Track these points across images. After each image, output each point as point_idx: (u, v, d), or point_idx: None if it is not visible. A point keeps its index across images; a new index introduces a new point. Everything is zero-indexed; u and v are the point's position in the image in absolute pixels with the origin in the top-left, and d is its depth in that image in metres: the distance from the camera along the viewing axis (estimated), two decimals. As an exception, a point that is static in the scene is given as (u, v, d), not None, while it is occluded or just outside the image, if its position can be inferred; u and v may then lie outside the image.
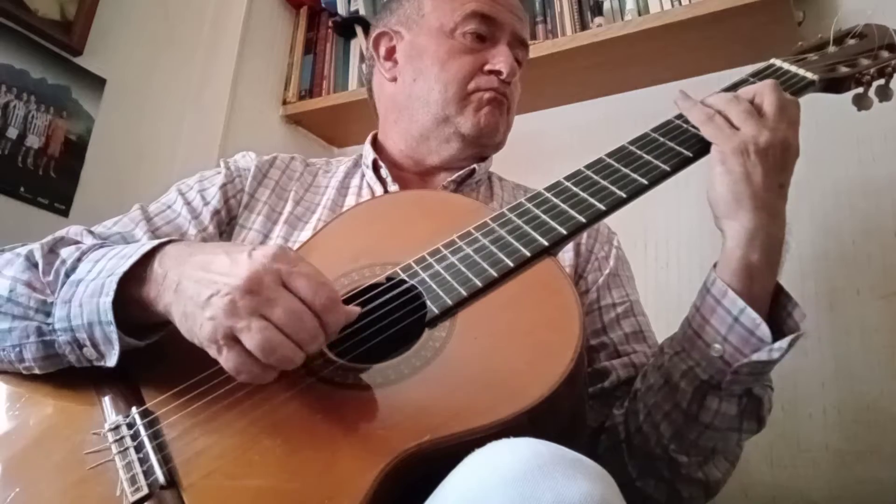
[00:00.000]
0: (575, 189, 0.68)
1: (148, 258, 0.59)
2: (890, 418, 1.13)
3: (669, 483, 0.70)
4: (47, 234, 0.73)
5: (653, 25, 1.34)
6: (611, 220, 0.75)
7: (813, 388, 1.19)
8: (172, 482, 0.51)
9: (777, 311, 0.64)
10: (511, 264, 0.62)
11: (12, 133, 1.32)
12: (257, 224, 0.87)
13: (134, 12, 1.59)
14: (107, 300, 0.57)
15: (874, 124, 1.20)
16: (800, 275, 1.23)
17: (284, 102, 1.82)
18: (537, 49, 1.38)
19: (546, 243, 0.63)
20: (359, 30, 1.78)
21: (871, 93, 0.78)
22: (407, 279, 0.64)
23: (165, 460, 0.53)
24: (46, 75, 1.39)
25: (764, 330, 0.61)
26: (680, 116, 0.71)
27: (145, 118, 1.59)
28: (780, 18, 1.28)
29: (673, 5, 1.35)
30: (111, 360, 0.59)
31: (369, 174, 0.93)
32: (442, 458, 0.46)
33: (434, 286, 0.62)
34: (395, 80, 0.94)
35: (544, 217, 0.66)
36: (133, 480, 0.51)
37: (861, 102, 0.78)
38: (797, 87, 0.73)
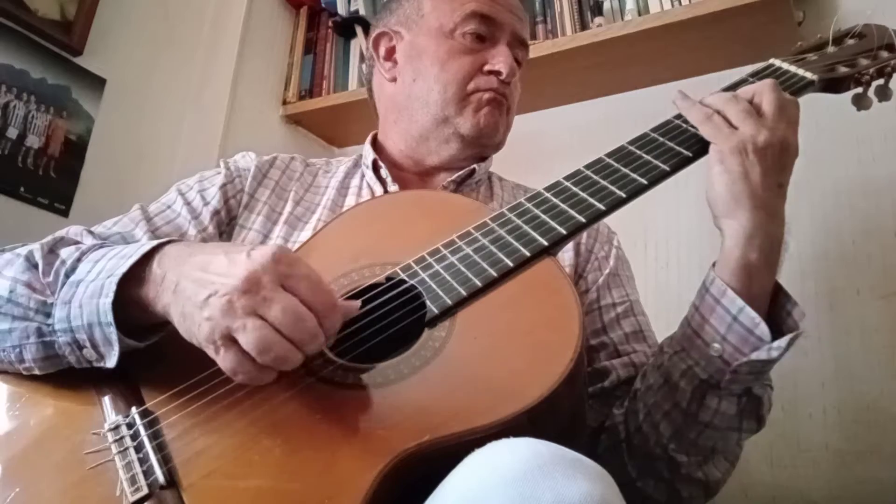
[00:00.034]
0: (574, 189, 0.68)
1: (147, 258, 0.59)
2: (890, 418, 1.13)
3: (669, 483, 0.70)
4: (47, 234, 0.73)
5: (653, 25, 1.34)
6: (611, 220, 0.75)
7: (813, 388, 1.19)
8: (172, 482, 0.51)
9: (776, 310, 0.64)
10: (511, 264, 0.62)
11: (12, 133, 1.32)
12: (257, 224, 0.87)
13: (134, 12, 1.59)
14: (106, 301, 0.57)
15: (874, 124, 1.20)
16: (800, 275, 1.23)
17: (284, 102, 1.82)
18: (537, 49, 1.38)
19: (546, 243, 0.63)
20: (359, 30, 1.79)
21: (871, 93, 0.78)
22: (406, 279, 0.64)
23: (165, 460, 0.53)
24: (46, 75, 1.39)
25: (763, 329, 0.61)
26: (679, 116, 0.71)
27: (145, 118, 1.59)
28: (780, 18, 1.28)
29: (673, 5, 1.35)
30: (111, 361, 0.59)
31: (369, 174, 0.93)
32: (442, 458, 0.46)
33: (434, 286, 0.62)
34: (394, 80, 0.94)
35: (544, 217, 0.66)
36: (133, 480, 0.51)
37: (860, 102, 0.78)
38: (796, 87, 0.73)
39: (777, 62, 0.77)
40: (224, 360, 0.51)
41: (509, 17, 0.91)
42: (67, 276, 0.63)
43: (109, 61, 1.51)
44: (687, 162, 0.68)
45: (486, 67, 0.88)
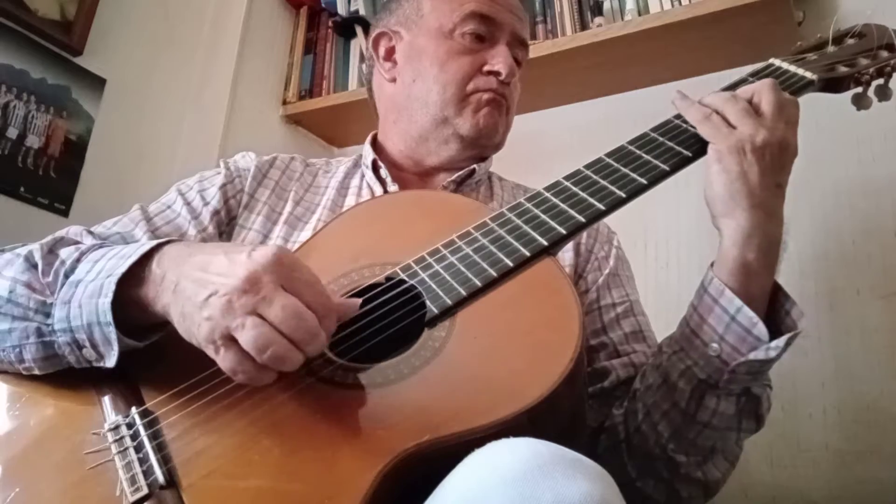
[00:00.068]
0: (574, 189, 0.68)
1: (147, 258, 0.59)
2: (890, 418, 1.13)
3: (668, 483, 0.70)
4: (47, 234, 0.73)
5: (653, 25, 1.34)
6: (611, 220, 0.75)
7: (813, 388, 1.19)
8: (172, 482, 0.51)
9: (775, 310, 0.64)
10: (510, 264, 0.62)
11: (12, 133, 1.32)
12: (257, 224, 0.87)
13: (134, 12, 1.59)
14: (106, 301, 0.57)
15: (874, 124, 1.20)
16: (800, 275, 1.23)
17: (284, 102, 1.82)
18: (537, 49, 1.38)
19: (545, 243, 0.63)
20: (359, 30, 1.79)
21: (871, 92, 0.78)
22: (406, 279, 0.64)
23: (165, 460, 0.53)
24: (46, 75, 1.39)
25: (761, 329, 0.61)
26: (679, 116, 0.71)
27: (145, 118, 1.59)
28: (780, 18, 1.28)
29: (673, 5, 1.35)
30: (110, 361, 0.59)
31: (369, 174, 0.93)
32: (442, 458, 0.46)
33: (433, 286, 0.62)
34: (394, 80, 0.94)
35: (544, 217, 0.66)
36: (133, 480, 0.51)
37: (860, 102, 0.78)
38: (796, 87, 0.73)
39: (777, 62, 0.77)
40: (224, 359, 0.51)
41: (509, 17, 0.91)
42: (67, 276, 0.63)
43: (109, 61, 1.51)
44: (687, 162, 0.68)
45: (486, 68, 0.88)
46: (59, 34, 1.40)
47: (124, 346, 0.58)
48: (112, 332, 0.57)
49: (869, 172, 1.25)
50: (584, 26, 1.47)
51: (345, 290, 0.65)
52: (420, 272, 0.64)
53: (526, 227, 0.65)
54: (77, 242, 0.73)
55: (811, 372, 1.19)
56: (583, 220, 0.64)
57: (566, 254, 0.87)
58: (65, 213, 1.39)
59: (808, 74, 0.74)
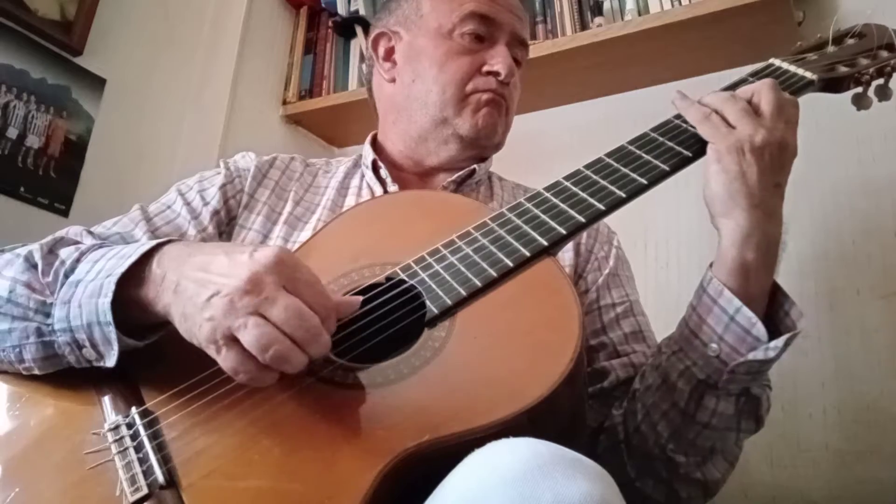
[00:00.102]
0: (574, 189, 0.68)
1: (147, 258, 0.59)
2: (890, 418, 1.13)
3: (668, 483, 0.70)
4: (47, 234, 0.73)
5: (653, 25, 1.34)
6: (611, 220, 0.75)
7: (813, 388, 1.19)
8: (172, 482, 0.51)
9: (774, 310, 0.64)
10: (510, 264, 0.62)
11: (12, 133, 1.32)
12: (257, 224, 0.87)
13: (134, 12, 1.59)
14: (105, 301, 0.57)
15: (874, 124, 1.20)
16: (799, 275, 1.23)
17: (284, 102, 1.82)
18: (537, 49, 1.38)
19: (545, 243, 0.63)
20: (359, 30, 1.79)
21: (871, 92, 0.78)
22: (406, 279, 0.64)
23: (165, 460, 0.53)
24: (46, 75, 1.39)
25: (760, 329, 0.61)
26: (679, 116, 0.71)
27: (145, 118, 1.59)
28: (780, 18, 1.28)
29: (673, 5, 1.35)
30: (110, 361, 0.59)
31: (369, 174, 0.93)
32: (442, 458, 0.46)
33: (433, 286, 0.62)
34: (393, 80, 0.94)
35: (544, 217, 0.66)
36: (133, 480, 0.51)
37: (860, 102, 0.78)
38: (796, 87, 0.73)
39: (777, 62, 0.77)
40: (225, 359, 0.51)
41: (508, 17, 0.91)
42: (67, 276, 0.63)
43: (109, 61, 1.51)
44: (687, 162, 0.68)
45: (485, 68, 0.88)
46: (59, 34, 1.40)
47: (124, 345, 0.58)
48: (112, 332, 0.57)
49: (869, 172, 1.25)
50: (584, 26, 1.47)
51: (345, 290, 0.65)
52: (420, 272, 0.64)
53: (526, 228, 0.65)
54: (77, 242, 0.73)
55: (811, 372, 1.19)
56: (583, 220, 0.64)
57: (566, 254, 0.87)
58: (65, 213, 1.39)
59: (808, 74, 0.74)
